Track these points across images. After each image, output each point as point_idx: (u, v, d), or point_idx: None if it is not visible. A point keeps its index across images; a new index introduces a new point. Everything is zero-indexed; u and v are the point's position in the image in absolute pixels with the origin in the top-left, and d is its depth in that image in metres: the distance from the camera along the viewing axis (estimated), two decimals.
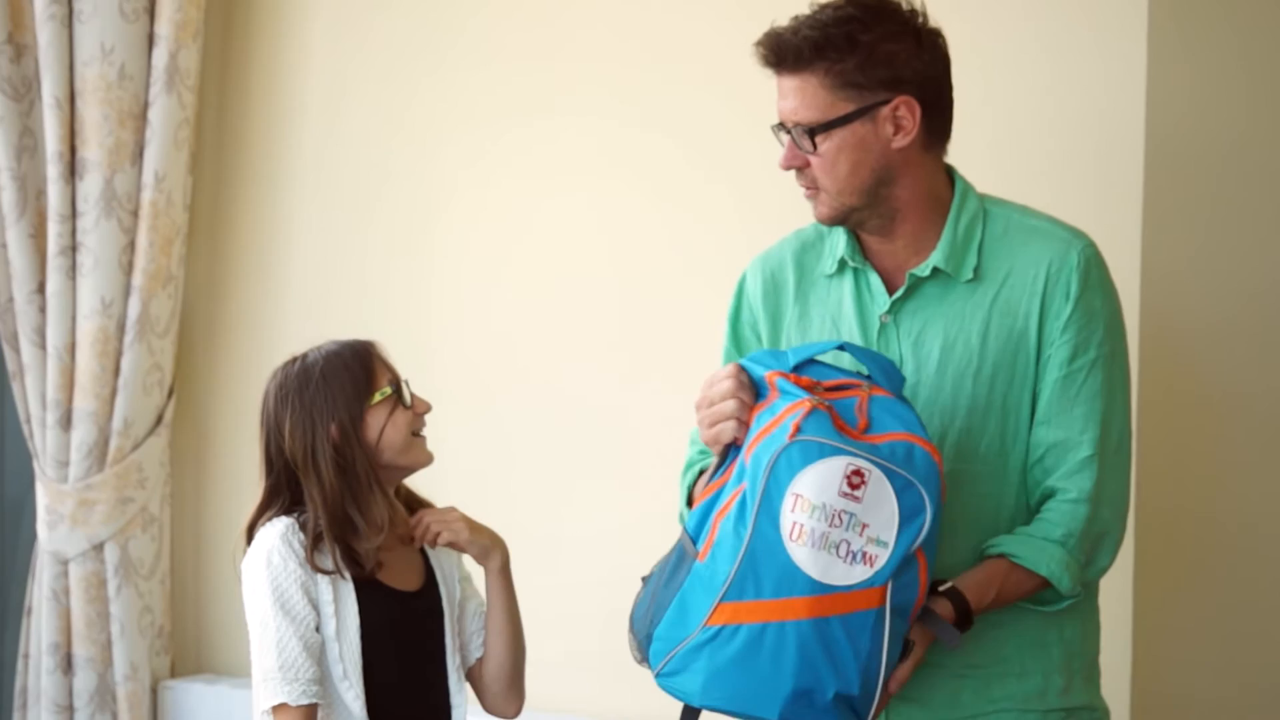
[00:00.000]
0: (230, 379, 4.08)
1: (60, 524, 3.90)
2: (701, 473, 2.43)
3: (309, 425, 2.48)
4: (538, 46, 3.69)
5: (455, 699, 2.56)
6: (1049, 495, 2.35)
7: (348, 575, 2.48)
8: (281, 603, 2.44)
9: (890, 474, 2.15)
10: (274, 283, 4.03)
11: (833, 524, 2.14)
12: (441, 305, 3.82)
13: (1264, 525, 3.09)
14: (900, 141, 2.32)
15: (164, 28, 3.86)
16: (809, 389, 2.21)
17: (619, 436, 3.57)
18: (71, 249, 3.88)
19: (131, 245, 3.90)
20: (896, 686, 2.21)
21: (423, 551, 2.61)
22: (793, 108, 2.33)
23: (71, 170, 3.87)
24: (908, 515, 2.15)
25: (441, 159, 3.81)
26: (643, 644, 2.28)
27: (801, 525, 2.14)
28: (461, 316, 3.79)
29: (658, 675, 2.26)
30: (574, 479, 3.64)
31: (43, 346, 3.91)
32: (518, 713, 2.66)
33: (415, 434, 2.54)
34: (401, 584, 2.55)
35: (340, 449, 2.48)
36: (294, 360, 2.55)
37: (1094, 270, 2.36)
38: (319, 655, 2.45)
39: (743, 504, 2.19)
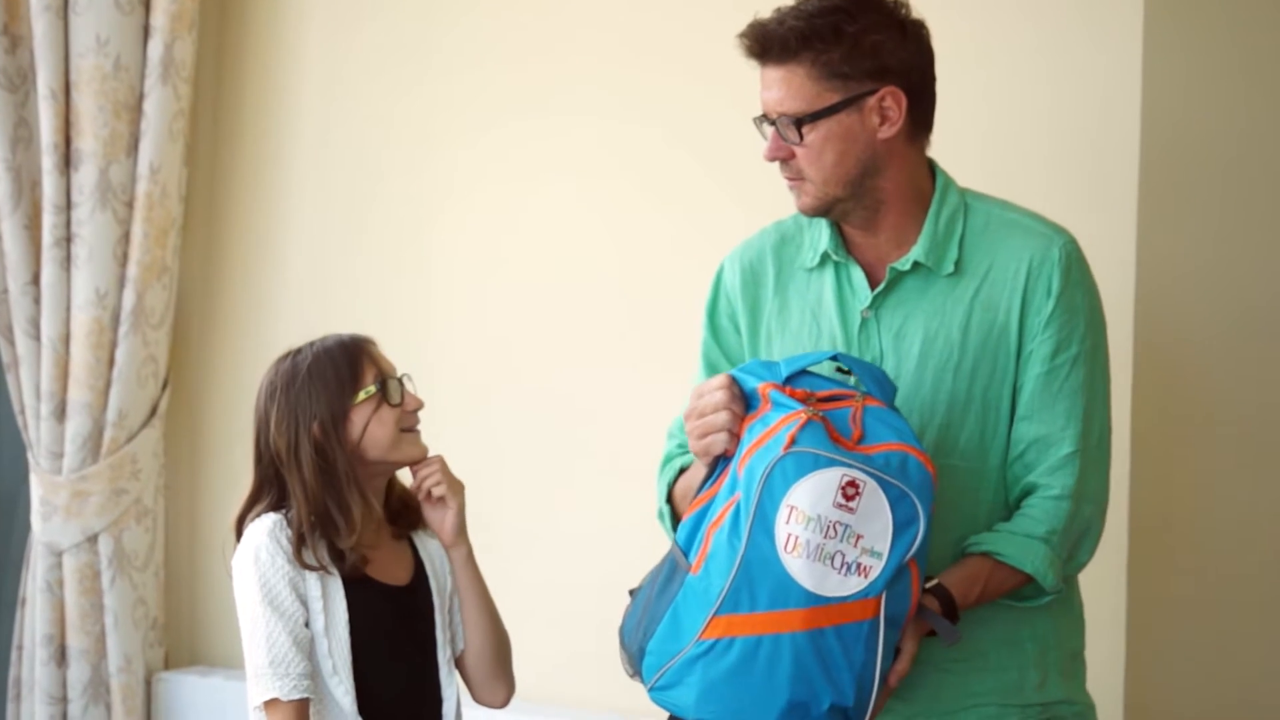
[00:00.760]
0: (225, 370, 4.08)
1: (54, 515, 3.90)
2: (682, 470, 2.44)
3: (292, 422, 2.49)
4: (532, 42, 3.69)
5: (446, 691, 2.57)
6: (1030, 491, 2.35)
7: (334, 571, 2.48)
8: (270, 599, 2.44)
9: (885, 485, 2.15)
10: (268, 274, 4.03)
11: (828, 535, 2.14)
12: (436, 297, 3.81)
13: (1256, 528, 3.09)
14: (886, 132, 2.33)
15: (159, 19, 3.85)
16: (803, 400, 2.21)
17: (612, 435, 3.57)
18: (66, 240, 3.88)
19: (126, 236, 3.90)
20: (896, 680, 2.22)
21: (412, 545, 2.61)
22: (778, 98, 2.33)
23: (66, 161, 3.86)
24: (901, 526, 2.15)
25: (437, 152, 3.81)
26: (635, 658, 2.28)
27: (796, 537, 2.14)
28: (456, 310, 3.79)
29: (651, 689, 2.26)
30: (567, 477, 3.64)
31: (37, 338, 3.91)
32: (506, 701, 2.66)
33: (407, 430, 2.54)
34: (390, 578, 2.56)
35: (321, 447, 2.48)
36: (287, 355, 2.56)
37: (1075, 266, 2.36)
38: (309, 650, 2.46)
39: (736, 516, 2.18)
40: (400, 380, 2.55)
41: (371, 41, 3.90)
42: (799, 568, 2.14)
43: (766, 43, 2.32)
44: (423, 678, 2.56)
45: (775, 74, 2.33)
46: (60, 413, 3.91)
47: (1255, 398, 3.09)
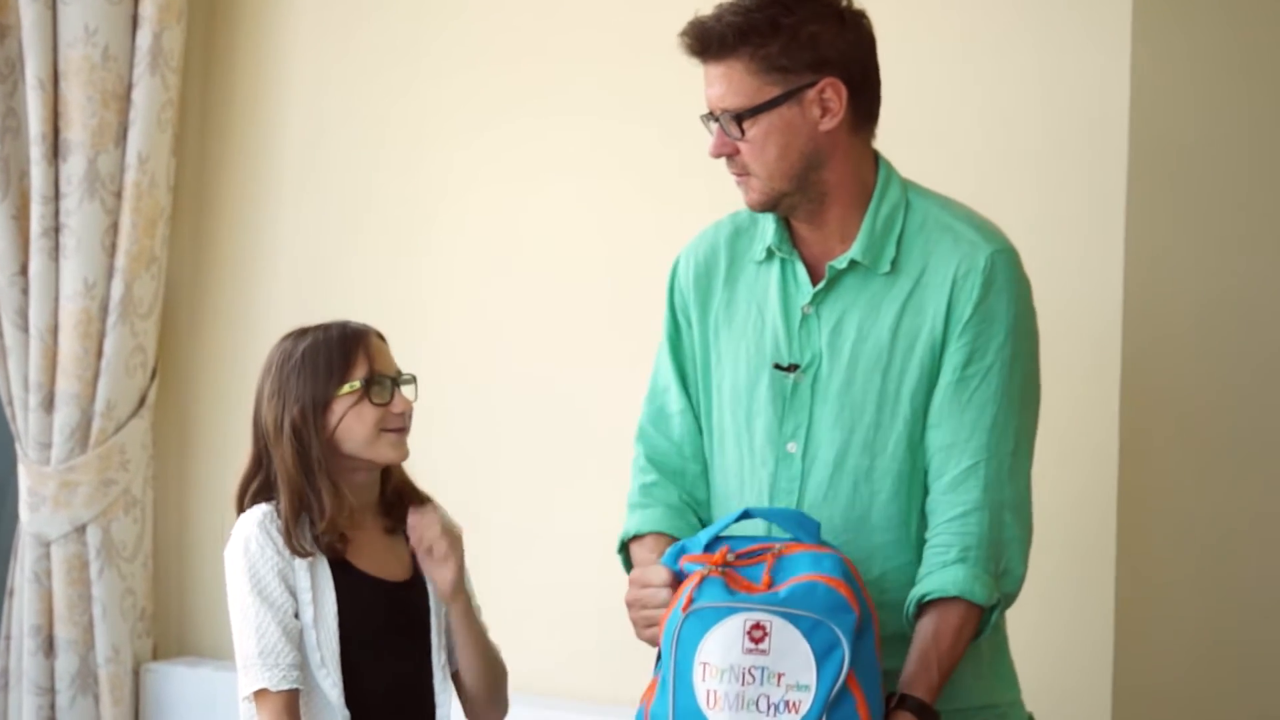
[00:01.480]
0: (213, 361, 4.07)
1: (42, 506, 3.89)
2: (637, 536, 2.46)
3: (280, 401, 2.50)
4: (528, 40, 3.68)
5: (440, 697, 2.56)
6: (933, 513, 2.32)
7: (315, 551, 2.47)
8: (259, 589, 2.45)
9: (793, 618, 2.15)
10: (258, 264, 4.02)
11: (745, 682, 2.15)
12: (428, 290, 3.80)
13: (1244, 525, 3.10)
14: (828, 124, 2.32)
15: (148, 9, 3.84)
16: (721, 561, 2.22)
17: (612, 433, 3.55)
18: (54, 230, 3.87)
19: (115, 227, 3.89)
20: None
21: (409, 542, 2.60)
22: (720, 94, 2.33)
23: (55, 151, 3.85)
24: (823, 653, 2.15)
25: (429, 142, 3.80)
26: None
27: (715, 691, 2.16)
28: (449, 305, 3.78)
29: None
30: (567, 475, 3.63)
31: (25, 328, 3.90)
32: None
33: (389, 431, 2.52)
34: (384, 573, 2.55)
35: (299, 431, 2.48)
36: (291, 334, 2.57)
37: (1000, 274, 2.33)
38: (299, 642, 2.46)
39: (663, 684, 2.21)
40: (394, 381, 2.54)
41: (362, 31, 3.89)
42: None
43: (706, 40, 2.32)
44: (415, 677, 2.55)
45: (716, 70, 2.33)
46: (48, 403, 3.90)
47: (1244, 396, 3.09)
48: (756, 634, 2.15)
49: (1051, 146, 3.09)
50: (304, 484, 2.48)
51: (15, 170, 3.88)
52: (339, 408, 2.50)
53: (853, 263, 2.35)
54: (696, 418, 2.48)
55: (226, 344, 4.03)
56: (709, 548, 2.26)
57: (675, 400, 2.49)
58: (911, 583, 2.31)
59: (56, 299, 3.89)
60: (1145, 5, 3.00)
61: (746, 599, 2.17)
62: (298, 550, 2.47)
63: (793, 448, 2.36)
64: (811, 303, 2.37)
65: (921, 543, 2.33)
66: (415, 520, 2.54)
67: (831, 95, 2.31)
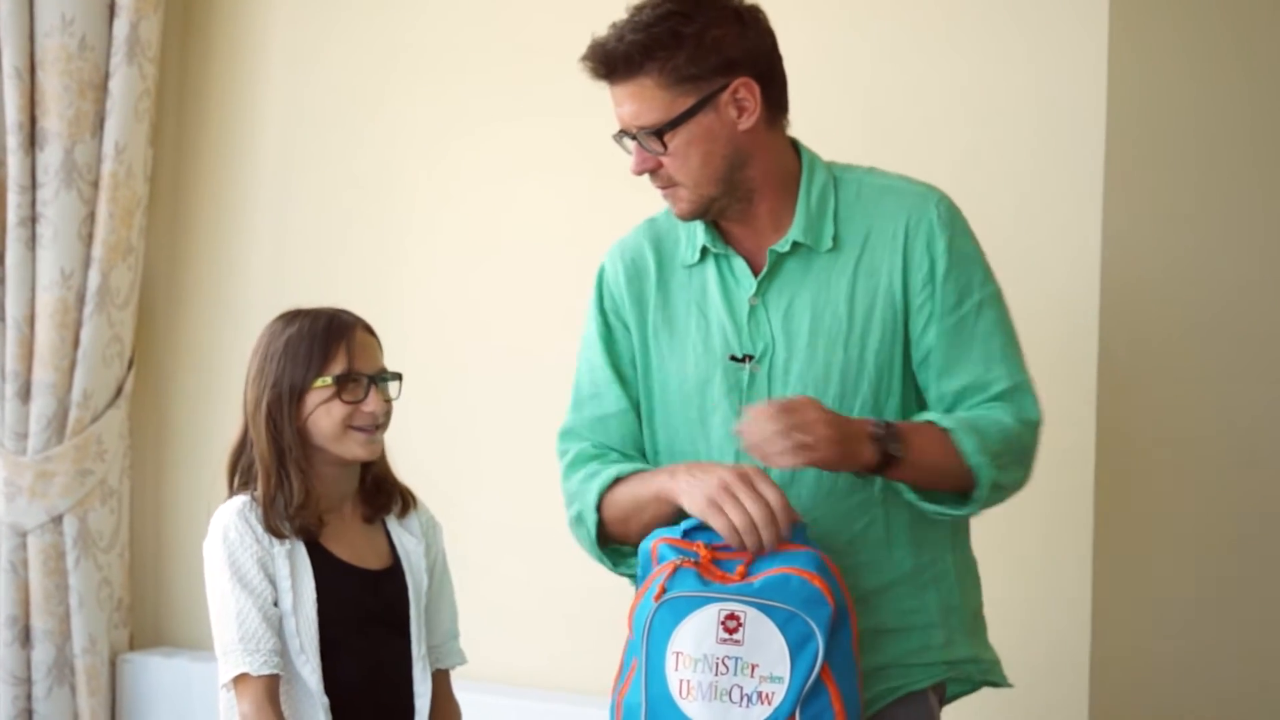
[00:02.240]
0: (190, 351, 4.06)
1: (19, 496, 3.89)
2: (618, 478, 2.39)
3: (260, 383, 2.52)
4: (511, 30, 3.68)
5: (419, 687, 2.56)
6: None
7: (300, 546, 2.48)
8: (239, 576, 2.45)
9: (767, 610, 2.16)
10: (234, 254, 4.02)
11: (718, 672, 2.16)
12: (407, 276, 3.80)
13: (1223, 525, 3.12)
14: (746, 123, 2.33)
15: None
16: (695, 550, 2.22)
17: None
18: (31, 220, 3.87)
19: (91, 216, 3.88)
20: None
21: (387, 533, 2.61)
22: (634, 113, 2.34)
23: (31, 141, 3.85)
24: (797, 646, 2.16)
25: (406, 131, 3.80)
26: None
27: (688, 681, 2.17)
28: (427, 293, 3.78)
29: None
30: (546, 466, 3.62)
31: (2, 318, 3.90)
32: None
33: (359, 429, 2.52)
34: (362, 562, 2.56)
35: (273, 415, 2.50)
36: (284, 315, 2.57)
37: (956, 217, 2.38)
38: (279, 629, 2.46)
39: (637, 676, 2.22)
40: (372, 379, 2.53)
41: (339, 20, 3.89)
42: (697, 710, 2.16)
43: (611, 62, 2.33)
44: (394, 665, 2.56)
45: (625, 90, 2.33)
46: (25, 393, 3.90)
47: (1220, 397, 3.11)
48: (731, 624, 2.16)
49: (1028, 142, 3.10)
50: (274, 466, 2.49)
51: None
52: (311, 400, 2.50)
53: (795, 245, 2.37)
54: (638, 416, 2.47)
55: (203, 334, 4.03)
56: (687, 536, 2.27)
57: (614, 401, 2.47)
58: (883, 543, 2.34)
59: (33, 289, 3.88)
60: (1121, 4, 3.02)
61: (721, 589, 2.18)
62: (274, 530, 2.47)
63: None
64: (756, 293, 2.38)
65: (887, 501, 2.35)
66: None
67: (745, 94, 2.32)
